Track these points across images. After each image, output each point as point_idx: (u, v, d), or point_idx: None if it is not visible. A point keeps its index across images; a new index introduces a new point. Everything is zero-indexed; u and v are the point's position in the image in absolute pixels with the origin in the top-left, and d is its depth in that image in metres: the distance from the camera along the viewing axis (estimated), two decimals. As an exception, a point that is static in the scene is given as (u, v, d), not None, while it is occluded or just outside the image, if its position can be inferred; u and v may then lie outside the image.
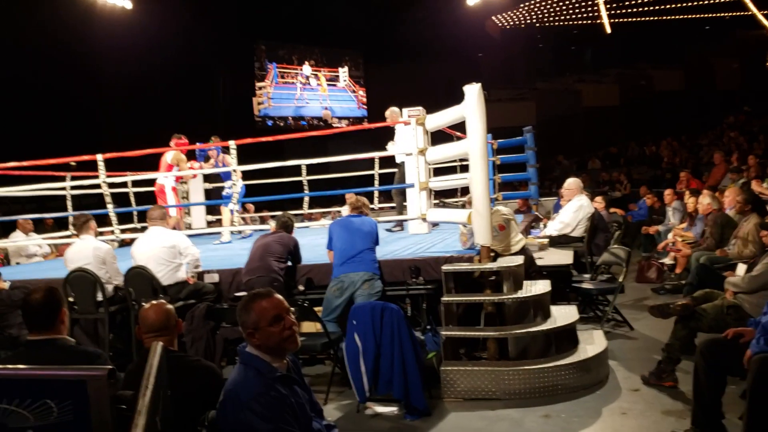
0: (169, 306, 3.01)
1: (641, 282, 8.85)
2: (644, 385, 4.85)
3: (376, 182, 10.31)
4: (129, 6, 15.16)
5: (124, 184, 9.28)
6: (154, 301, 3.02)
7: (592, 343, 5.44)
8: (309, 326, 5.78)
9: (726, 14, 24.39)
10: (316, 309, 5.36)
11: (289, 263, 5.98)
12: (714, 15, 24.35)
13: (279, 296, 2.50)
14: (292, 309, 2.51)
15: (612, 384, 5.00)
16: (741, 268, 5.15)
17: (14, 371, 2.42)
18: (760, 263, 4.63)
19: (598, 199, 9.38)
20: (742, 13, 23.85)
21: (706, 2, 22.99)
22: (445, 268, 5.48)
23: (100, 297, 5.73)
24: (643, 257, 9.70)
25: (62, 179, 8.85)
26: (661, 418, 4.25)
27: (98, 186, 7.94)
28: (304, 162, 8.73)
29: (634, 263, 9.03)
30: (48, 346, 3.02)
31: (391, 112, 8.40)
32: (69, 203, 8.72)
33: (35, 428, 2.19)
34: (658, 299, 7.29)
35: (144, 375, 2.17)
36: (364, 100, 25.30)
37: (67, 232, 8.89)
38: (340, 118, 24.59)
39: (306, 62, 24.05)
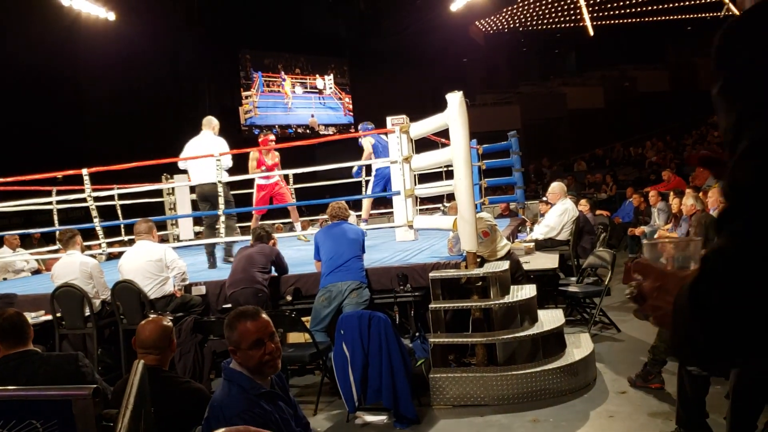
0: (168, 324, 3.02)
1: (628, 283, 8.88)
2: (631, 388, 4.90)
3: (364, 190, 10.32)
4: (112, 18, 15.12)
5: (110, 198, 9.25)
6: (153, 317, 3.03)
7: (579, 346, 5.48)
8: (297, 337, 5.80)
9: (707, 14, 24.65)
10: (304, 319, 5.37)
11: (274, 273, 6.01)
12: (696, 15, 24.59)
13: (266, 318, 2.48)
14: (279, 331, 2.51)
15: (599, 387, 5.04)
16: (724, 269, 5.19)
17: (-1, 392, 2.42)
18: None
19: (583, 202, 9.46)
20: (723, 14, 24.11)
21: (688, 3, 23.22)
22: (432, 275, 5.51)
23: (87, 312, 5.73)
24: (629, 258, 9.77)
25: (48, 194, 8.82)
26: (647, 421, 4.29)
27: (84, 200, 7.92)
28: (291, 171, 8.73)
29: (620, 264, 9.08)
30: (24, 359, 3.04)
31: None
32: (55, 217, 8.70)
33: (21, 450, 2.19)
34: (645, 300, 7.32)
35: (125, 394, 2.18)
36: (350, 107, 25.33)
37: (54, 247, 8.86)
38: (327, 126, 24.60)
39: (291, 72, 24.05)
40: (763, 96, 0.93)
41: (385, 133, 7.84)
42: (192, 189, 10.17)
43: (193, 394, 2.84)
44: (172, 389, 2.78)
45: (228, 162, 7.59)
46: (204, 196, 7.71)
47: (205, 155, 7.39)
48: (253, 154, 8.42)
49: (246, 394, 2.32)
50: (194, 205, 10.42)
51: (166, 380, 2.81)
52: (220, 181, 7.20)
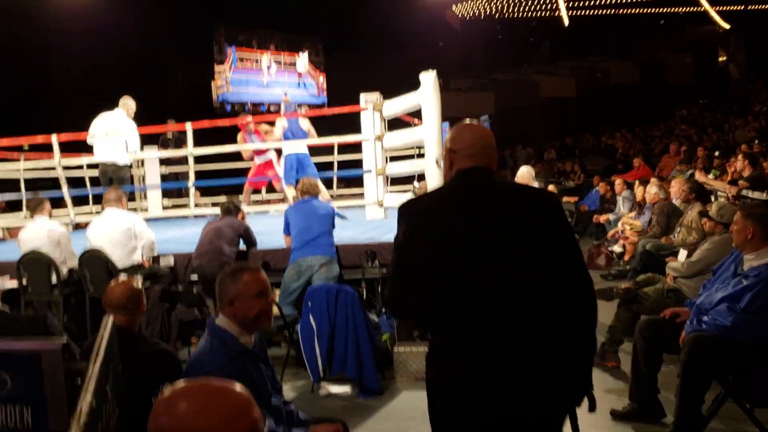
0: (137, 286, 3.05)
1: (591, 268, 9.07)
2: (588, 366, 5.04)
3: (335, 168, 10.36)
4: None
5: (79, 167, 9.12)
6: (124, 278, 3.06)
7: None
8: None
9: (680, 9, 25.02)
10: (274, 292, 5.42)
11: (242, 247, 6.03)
12: (668, 10, 24.94)
13: (265, 275, 2.56)
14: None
15: (558, 364, 5.17)
16: (682, 254, 5.38)
17: (-34, 345, 2.44)
18: (699, 249, 4.85)
19: (551, 188, 9.62)
20: (695, 9, 24.51)
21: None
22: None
23: (54, 280, 5.69)
24: (593, 245, 9.97)
25: (15, 161, 8.69)
26: (602, 396, 4.43)
27: (53, 168, 7.83)
28: (261, 145, 8.71)
29: (584, 251, 9.28)
30: None
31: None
32: (22, 185, 8.57)
33: (-12, 400, 2.22)
34: (605, 285, 7.52)
35: (94, 346, 2.21)
36: (324, 86, 25.24)
37: (21, 214, 8.75)
38: (300, 105, 24.50)
39: (266, 48, 23.87)
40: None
41: (304, 118, 8.15)
42: (161, 161, 10.19)
43: (162, 355, 2.89)
44: (141, 350, 2.83)
45: (135, 146, 7.95)
46: (105, 174, 7.99)
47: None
48: (239, 138, 8.53)
49: (228, 350, 2.36)
50: (163, 178, 10.39)
51: (134, 341, 2.85)
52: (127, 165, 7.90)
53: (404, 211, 2.15)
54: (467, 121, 2.37)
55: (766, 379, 3.54)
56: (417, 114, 6.58)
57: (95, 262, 5.67)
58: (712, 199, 7.07)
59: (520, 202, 2.08)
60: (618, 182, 10.75)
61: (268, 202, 10.83)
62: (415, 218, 2.10)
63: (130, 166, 8.79)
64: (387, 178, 7.07)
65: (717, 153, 11.72)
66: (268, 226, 7.51)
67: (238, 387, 1.29)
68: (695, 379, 3.49)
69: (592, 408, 2.13)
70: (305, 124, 8.53)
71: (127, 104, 8.07)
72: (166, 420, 1.21)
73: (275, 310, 5.40)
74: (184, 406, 1.21)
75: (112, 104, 8.13)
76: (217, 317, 2.50)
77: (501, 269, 1.97)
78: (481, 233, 1.99)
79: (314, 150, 9.78)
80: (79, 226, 8.92)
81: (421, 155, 7.19)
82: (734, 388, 3.58)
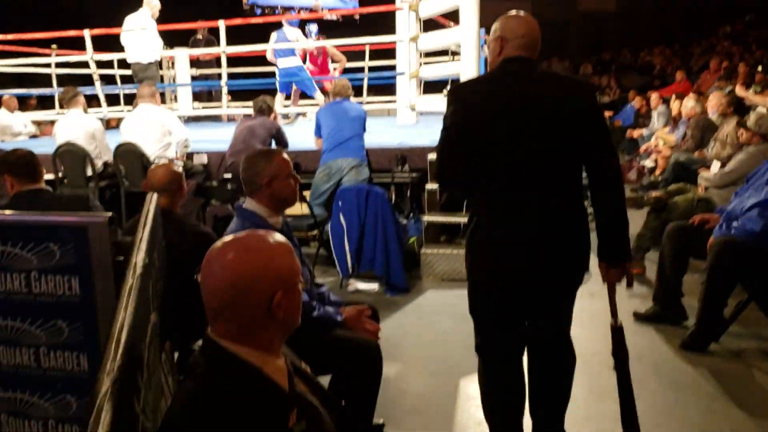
0: (178, 170, 3.13)
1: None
2: (613, 272, 5.10)
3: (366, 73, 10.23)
4: None
5: (110, 64, 9.11)
6: (164, 162, 3.12)
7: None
8: (296, 207, 5.93)
9: None
10: (303, 193, 5.50)
11: (273, 147, 6.07)
12: None
13: None
14: None
15: (583, 270, 5.24)
16: (715, 165, 5.32)
17: (18, 217, 2.54)
18: (733, 160, 4.80)
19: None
20: None
21: None
22: (430, 156, 5.59)
23: (89, 172, 5.82)
24: (625, 160, 9.87)
25: (47, 56, 8.68)
26: (626, 300, 4.51)
27: (85, 64, 7.84)
28: (293, 45, 8.61)
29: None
30: (36, 196, 3.14)
31: None
32: (54, 81, 8.59)
33: (38, 270, 2.33)
34: (635, 196, 7.48)
35: (140, 221, 2.30)
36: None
37: (53, 111, 8.83)
38: (331, 10, 23.94)
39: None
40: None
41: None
42: (192, 63, 10.16)
43: (202, 236, 2.98)
44: (182, 230, 2.92)
45: (160, 48, 8.12)
46: (135, 74, 8.13)
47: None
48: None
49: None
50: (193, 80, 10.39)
51: (176, 221, 2.94)
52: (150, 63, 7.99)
53: (454, 92, 2.37)
54: (514, 12, 2.42)
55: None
56: (453, 17, 6.42)
57: (130, 156, 5.76)
58: (751, 114, 6.89)
59: (560, 90, 2.27)
60: (654, 97, 10.51)
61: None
62: (464, 100, 2.31)
63: (159, 66, 8.79)
64: (420, 81, 6.99)
65: (760, 68, 11.34)
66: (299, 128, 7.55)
67: (280, 237, 1.39)
68: (720, 282, 3.53)
69: (629, 283, 2.67)
70: (293, 34, 8.50)
71: (151, 3, 8.07)
72: (218, 267, 1.30)
73: (305, 209, 5.51)
74: (231, 255, 1.30)
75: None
76: (245, 202, 2.58)
77: (539, 147, 2.21)
78: (523, 116, 2.21)
79: (347, 55, 9.68)
80: (110, 125, 9.02)
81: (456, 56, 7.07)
82: (759, 293, 3.62)
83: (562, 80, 2.39)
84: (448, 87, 6.56)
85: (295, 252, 2.58)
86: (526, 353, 2.56)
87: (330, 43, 8.73)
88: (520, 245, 2.25)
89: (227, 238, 1.36)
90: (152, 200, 2.34)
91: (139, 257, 1.65)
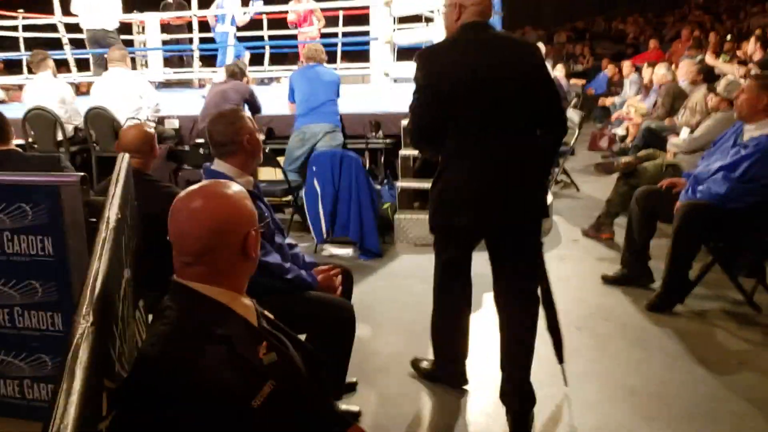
0: (150, 130, 3.10)
1: (593, 150, 9.16)
2: (583, 237, 5.21)
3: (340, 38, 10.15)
4: None
5: (79, 28, 8.91)
6: (137, 122, 3.10)
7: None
8: (269, 173, 5.92)
9: None
10: (277, 159, 5.48)
11: (247, 111, 6.02)
12: None
13: None
14: None
15: (553, 235, 5.34)
16: (684, 132, 5.41)
17: (-12, 178, 2.51)
18: (701, 125, 4.88)
19: (559, 67, 9.51)
20: None
21: None
22: (404, 122, 5.60)
23: (60, 136, 5.74)
24: (597, 128, 9.96)
25: (13, 18, 8.47)
26: (595, 263, 4.62)
27: (53, 28, 7.67)
28: (264, 8, 8.46)
29: (587, 134, 9.30)
30: (7, 157, 3.10)
31: None
32: (21, 44, 8.41)
33: (11, 230, 2.33)
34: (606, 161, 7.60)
35: (112, 180, 2.29)
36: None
37: (21, 76, 8.65)
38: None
39: None
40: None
41: None
42: (162, 28, 9.98)
43: (174, 196, 2.96)
44: (154, 190, 2.91)
45: (119, 12, 8.08)
46: (95, 40, 8.01)
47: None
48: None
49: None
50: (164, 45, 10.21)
51: (148, 182, 2.92)
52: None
53: (423, 56, 2.57)
54: None
55: (752, 249, 3.68)
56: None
57: (101, 120, 5.69)
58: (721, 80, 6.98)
59: (514, 50, 2.57)
60: (626, 65, 10.59)
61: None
62: (433, 63, 2.53)
63: (129, 30, 8.65)
64: (394, 47, 6.95)
65: (729, 37, 11.46)
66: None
67: (234, 184, 1.48)
68: (685, 244, 3.62)
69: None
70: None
71: None
72: (190, 215, 1.37)
73: (279, 174, 5.49)
74: (200, 202, 1.39)
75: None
76: (212, 164, 2.58)
77: (499, 101, 2.46)
78: (485, 74, 2.45)
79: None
80: (80, 91, 8.86)
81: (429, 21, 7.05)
82: (722, 256, 3.72)
83: (515, 41, 2.70)
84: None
85: (268, 213, 2.62)
86: (496, 309, 2.70)
87: (304, 7, 8.66)
88: (484, 182, 2.49)
89: (189, 188, 1.44)
90: (124, 159, 2.33)
91: (112, 212, 1.65)
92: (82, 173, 2.30)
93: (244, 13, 8.52)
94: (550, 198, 5.73)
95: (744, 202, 3.49)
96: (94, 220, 2.36)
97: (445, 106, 2.46)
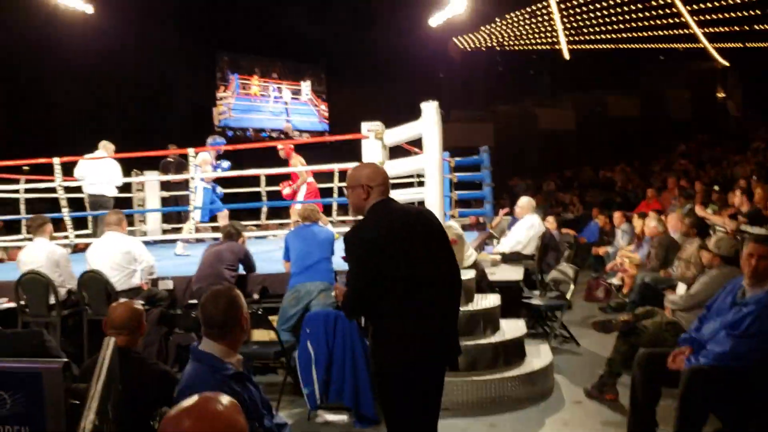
0: (139, 307, 3.07)
1: (590, 301, 9.11)
2: (586, 398, 5.03)
3: (335, 194, 10.40)
4: (90, 11, 15.00)
5: (79, 189, 9.14)
6: (125, 300, 3.08)
7: (539, 356, 5.60)
8: (262, 335, 5.82)
9: (680, 46, 25.32)
10: (271, 318, 5.41)
11: (241, 271, 6.04)
12: (668, 46, 25.23)
13: None
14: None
15: (556, 396, 5.17)
16: (681, 287, 5.39)
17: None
18: (697, 282, 4.86)
19: (550, 219, 9.65)
20: (694, 45, 24.81)
21: (662, 33, 23.82)
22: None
23: (52, 300, 5.69)
24: (592, 277, 9.97)
25: (16, 182, 8.72)
26: (600, 428, 4.42)
27: (52, 190, 7.86)
28: (263, 171, 8.74)
29: (583, 283, 9.29)
30: None
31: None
32: (22, 206, 8.58)
33: (-13, 420, 2.22)
34: (603, 317, 7.52)
35: (95, 369, 2.21)
36: (326, 114, 25.43)
37: (20, 236, 8.77)
38: (302, 132, 24.64)
39: (268, 76, 24.09)
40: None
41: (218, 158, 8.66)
42: (162, 185, 10.26)
43: (162, 375, 2.89)
44: (141, 370, 2.83)
45: (118, 181, 8.64)
46: (96, 204, 8.53)
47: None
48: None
49: (216, 374, 2.37)
50: (163, 202, 10.44)
51: (135, 360, 2.85)
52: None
53: (351, 241, 2.91)
54: (369, 160, 2.92)
55: (763, 413, 3.54)
56: (417, 143, 6.61)
57: (94, 283, 5.67)
58: (711, 233, 7.09)
59: (420, 219, 3.01)
60: (617, 215, 10.79)
61: (267, 227, 10.86)
62: (362, 245, 2.86)
63: (129, 189, 8.91)
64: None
65: (716, 188, 11.77)
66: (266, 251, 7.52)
67: (226, 397, 1.47)
68: (693, 412, 3.48)
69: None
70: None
71: (107, 146, 8.74)
72: None
73: (273, 335, 5.39)
74: (188, 423, 1.32)
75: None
76: (200, 343, 2.52)
77: (423, 264, 2.85)
78: (408, 244, 2.84)
79: (316, 177, 9.87)
80: (77, 249, 8.92)
81: (420, 183, 7.23)
82: (732, 422, 3.57)
83: (419, 210, 3.21)
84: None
85: (255, 393, 2.52)
86: None
87: (304, 169, 8.98)
88: (427, 335, 2.83)
89: (181, 404, 1.37)
90: (109, 346, 2.26)
91: (88, 420, 1.57)
92: (65, 360, 2.23)
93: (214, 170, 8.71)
94: (550, 355, 5.62)
95: (749, 360, 3.41)
96: (77, 402, 2.27)
97: (384, 273, 2.77)
